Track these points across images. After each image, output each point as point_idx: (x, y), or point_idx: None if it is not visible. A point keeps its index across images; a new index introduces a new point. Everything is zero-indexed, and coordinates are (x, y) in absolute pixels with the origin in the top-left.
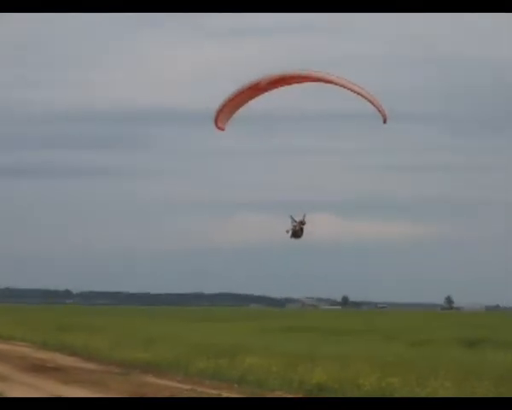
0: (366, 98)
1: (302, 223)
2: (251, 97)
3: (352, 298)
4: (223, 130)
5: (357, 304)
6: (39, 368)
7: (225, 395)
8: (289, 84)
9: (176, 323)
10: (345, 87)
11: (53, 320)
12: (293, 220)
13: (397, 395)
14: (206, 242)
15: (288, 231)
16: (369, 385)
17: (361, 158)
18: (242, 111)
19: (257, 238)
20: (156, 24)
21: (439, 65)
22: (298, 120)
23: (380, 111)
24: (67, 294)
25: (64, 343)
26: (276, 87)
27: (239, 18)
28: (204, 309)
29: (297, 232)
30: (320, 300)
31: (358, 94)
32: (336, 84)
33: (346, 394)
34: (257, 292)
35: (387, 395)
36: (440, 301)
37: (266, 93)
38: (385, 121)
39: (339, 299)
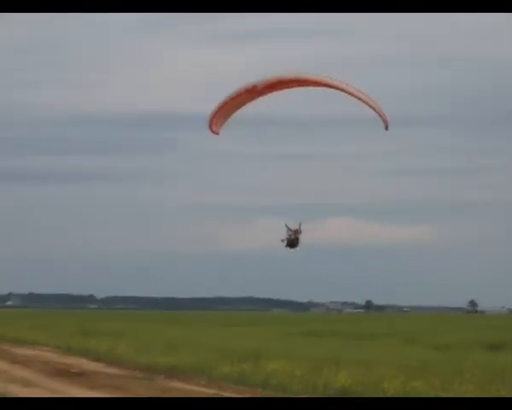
0: (367, 104)
1: (298, 232)
2: (247, 101)
3: (376, 302)
4: (217, 134)
5: (381, 308)
6: (64, 373)
7: None
8: (288, 87)
9: (199, 327)
10: (345, 92)
11: (77, 325)
12: (289, 229)
13: None
14: (228, 246)
15: (282, 241)
16: (393, 389)
17: (376, 162)
18: (248, 114)
19: (279, 243)
20: (163, 24)
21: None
22: (304, 124)
23: (381, 117)
24: (91, 299)
25: (88, 348)
26: (274, 91)
27: (252, 19)
28: (227, 314)
29: (292, 242)
30: (344, 304)
31: (359, 99)
32: (336, 88)
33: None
34: (280, 296)
35: None
36: (464, 304)
37: (264, 96)
38: (387, 128)
39: (362, 303)
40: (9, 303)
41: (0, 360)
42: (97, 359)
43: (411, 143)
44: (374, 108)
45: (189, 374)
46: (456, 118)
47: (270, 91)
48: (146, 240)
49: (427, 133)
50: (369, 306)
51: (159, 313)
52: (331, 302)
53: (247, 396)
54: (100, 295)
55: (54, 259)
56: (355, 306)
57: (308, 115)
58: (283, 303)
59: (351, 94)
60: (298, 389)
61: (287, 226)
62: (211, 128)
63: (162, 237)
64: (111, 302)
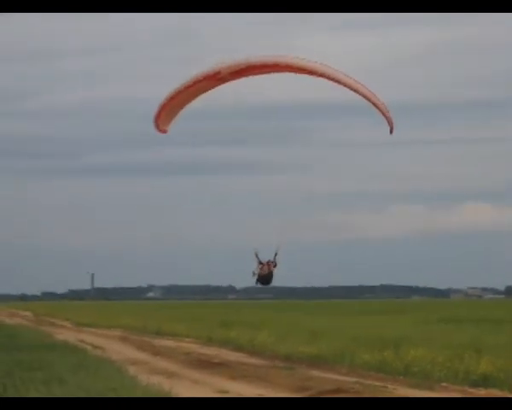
0: (365, 96)
1: (271, 265)
2: (207, 88)
3: None
4: (165, 132)
5: None
6: (205, 364)
7: (391, 386)
8: (261, 73)
9: (338, 316)
10: (336, 81)
11: (217, 316)
12: (259, 262)
13: None
14: (366, 233)
15: (254, 274)
16: None
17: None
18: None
19: (417, 229)
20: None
21: None
22: (432, 110)
23: (386, 118)
24: (231, 289)
25: (229, 339)
26: (243, 76)
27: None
28: (366, 302)
29: (265, 277)
30: (484, 290)
31: (355, 91)
32: (324, 76)
33: None
34: (419, 283)
35: None
36: None
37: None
38: (391, 131)
39: (502, 288)
40: (150, 295)
41: (142, 352)
42: (238, 349)
43: None
44: (376, 105)
45: (330, 363)
46: None
47: (237, 77)
48: (283, 229)
49: None
50: (509, 291)
51: (298, 302)
52: (470, 288)
53: (389, 384)
54: (239, 285)
55: (193, 250)
56: (495, 291)
57: (435, 101)
58: (422, 290)
59: (343, 84)
60: (439, 376)
61: (257, 257)
62: (157, 125)
63: (300, 226)
64: (250, 292)
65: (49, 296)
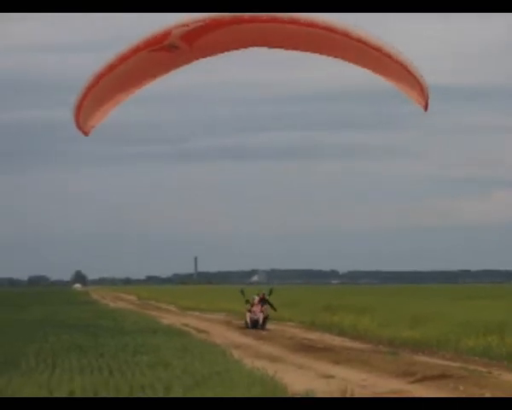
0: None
1: (263, 305)
2: (163, 64)
3: None
4: (86, 134)
5: None
6: (309, 348)
7: (495, 372)
8: (244, 42)
9: (442, 301)
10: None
11: (320, 301)
12: (247, 301)
13: None
14: (470, 218)
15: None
16: None
17: None
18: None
19: None
20: None
21: None
22: None
23: (420, 93)
24: (333, 274)
25: (332, 323)
26: (215, 48)
27: None
28: (470, 287)
29: (256, 322)
30: None
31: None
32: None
33: None
34: None
35: None
36: None
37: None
38: (426, 108)
39: None
40: (255, 279)
41: (246, 336)
42: (341, 333)
43: None
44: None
45: (434, 348)
46: None
47: (201, 48)
48: (390, 214)
49: None
50: None
51: (402, 286)
52: None
53: (494, 370)
54: (343, 270)
55: (295, 235)
56: None
57: None
58: None
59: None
60: None
61: (243, 294)
62: (77, 120)
63: (405, 211)
64: (354, 277)
65: (153, 280)
